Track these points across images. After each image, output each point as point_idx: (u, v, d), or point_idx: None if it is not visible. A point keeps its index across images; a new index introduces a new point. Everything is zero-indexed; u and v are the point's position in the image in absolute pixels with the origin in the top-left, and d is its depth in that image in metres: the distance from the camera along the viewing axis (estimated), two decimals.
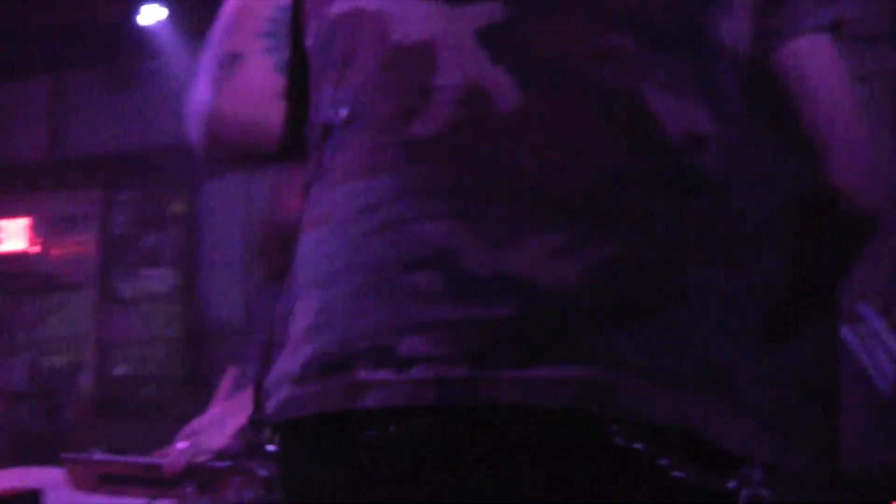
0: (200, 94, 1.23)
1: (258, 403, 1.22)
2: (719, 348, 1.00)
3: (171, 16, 6.22)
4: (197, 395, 3.55)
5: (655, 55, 1.05)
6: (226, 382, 3.38)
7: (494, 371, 0.94)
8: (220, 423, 2.65)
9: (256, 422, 1.22)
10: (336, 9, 1.14)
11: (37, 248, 7.22)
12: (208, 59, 1.23)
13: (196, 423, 2.67)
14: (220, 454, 2.56)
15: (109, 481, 2.61)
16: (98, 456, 2.77)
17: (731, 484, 0.99)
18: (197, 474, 2.51)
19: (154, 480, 2.53)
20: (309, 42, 1.18)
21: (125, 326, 7.03)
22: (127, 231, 7.09)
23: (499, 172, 1.00)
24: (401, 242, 0.99)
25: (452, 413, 0.95)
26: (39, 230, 7.21)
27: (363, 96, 1.08)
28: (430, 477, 0.97)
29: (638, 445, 0.94)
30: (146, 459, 2.67)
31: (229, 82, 1.20)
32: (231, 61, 1.20)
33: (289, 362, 1.05)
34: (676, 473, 0.95)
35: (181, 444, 2.55)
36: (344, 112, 1.09)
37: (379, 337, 0.98)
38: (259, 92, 1.20)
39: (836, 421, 4.88)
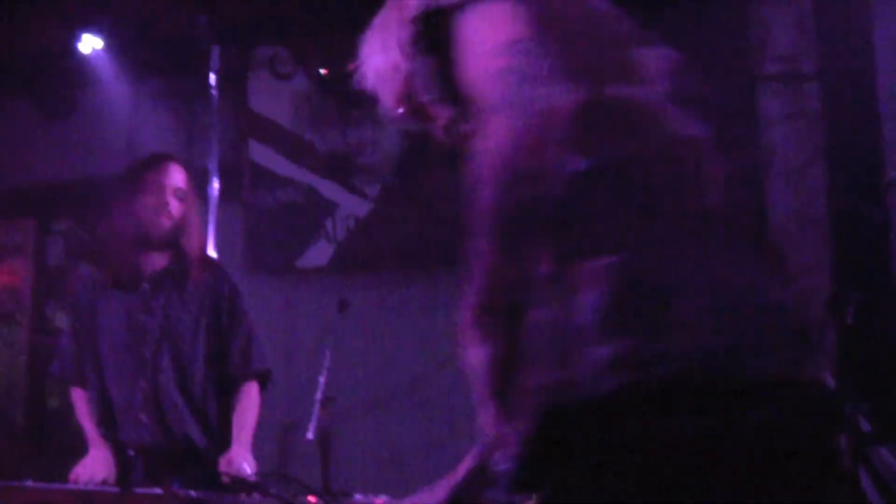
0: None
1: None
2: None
3: (107, 45, 6.20)
4: None
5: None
6: (80, 404, 3.35)
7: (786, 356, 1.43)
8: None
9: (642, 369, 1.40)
10: (610, 91, 1.52)
11: None
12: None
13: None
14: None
15: None
16: (30, 483, 2.74)
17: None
18: None
19: None
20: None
21: None
22: (62, 262, 7.01)
23: (745, 227, 1.52)
24: (727, 280, 1.43)
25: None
26: None
27: (652, 169, 1.49)
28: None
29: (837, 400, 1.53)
30: (80, 487, 2.66)
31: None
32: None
33: (699, 340, 1.39)
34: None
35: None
36: (584, 165, 1.45)
37: (758, 339, 1.41)
38: None
39: None
